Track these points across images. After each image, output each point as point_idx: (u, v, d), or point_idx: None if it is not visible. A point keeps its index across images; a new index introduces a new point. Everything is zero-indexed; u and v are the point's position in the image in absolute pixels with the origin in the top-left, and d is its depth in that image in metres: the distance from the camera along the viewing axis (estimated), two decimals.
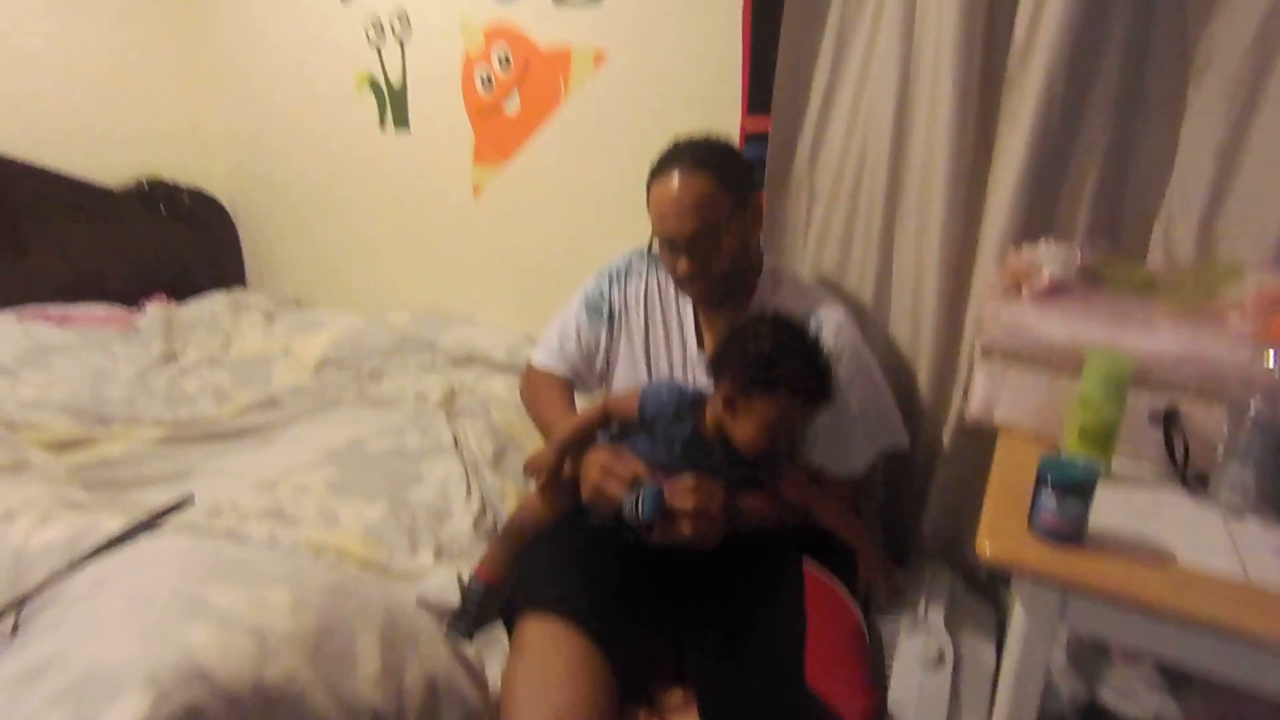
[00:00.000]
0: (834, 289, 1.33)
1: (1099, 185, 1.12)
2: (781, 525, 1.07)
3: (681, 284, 1.12)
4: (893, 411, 1.17)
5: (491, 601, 1.12)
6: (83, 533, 0.90)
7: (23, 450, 1.36)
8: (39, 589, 0.80)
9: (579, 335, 1.25)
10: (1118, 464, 0.90)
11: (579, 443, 1.10)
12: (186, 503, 1.06)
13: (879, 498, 1.37)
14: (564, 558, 1.06)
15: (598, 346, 1.25)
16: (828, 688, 0.88)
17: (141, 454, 1.50)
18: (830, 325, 1.11)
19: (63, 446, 1.49)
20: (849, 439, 1.11)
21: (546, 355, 1.29)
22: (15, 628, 0.77)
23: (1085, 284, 1.04)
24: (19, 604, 0.79)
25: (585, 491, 1.05)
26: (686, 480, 0.98)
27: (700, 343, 1.19)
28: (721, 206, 1.05)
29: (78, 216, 2.23)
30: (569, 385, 1.28)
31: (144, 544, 0.89)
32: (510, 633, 1.00)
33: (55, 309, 2.12)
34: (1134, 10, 1.06)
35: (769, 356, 0.97)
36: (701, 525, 0.97)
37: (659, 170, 1.08)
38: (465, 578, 1.17)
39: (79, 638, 0.68)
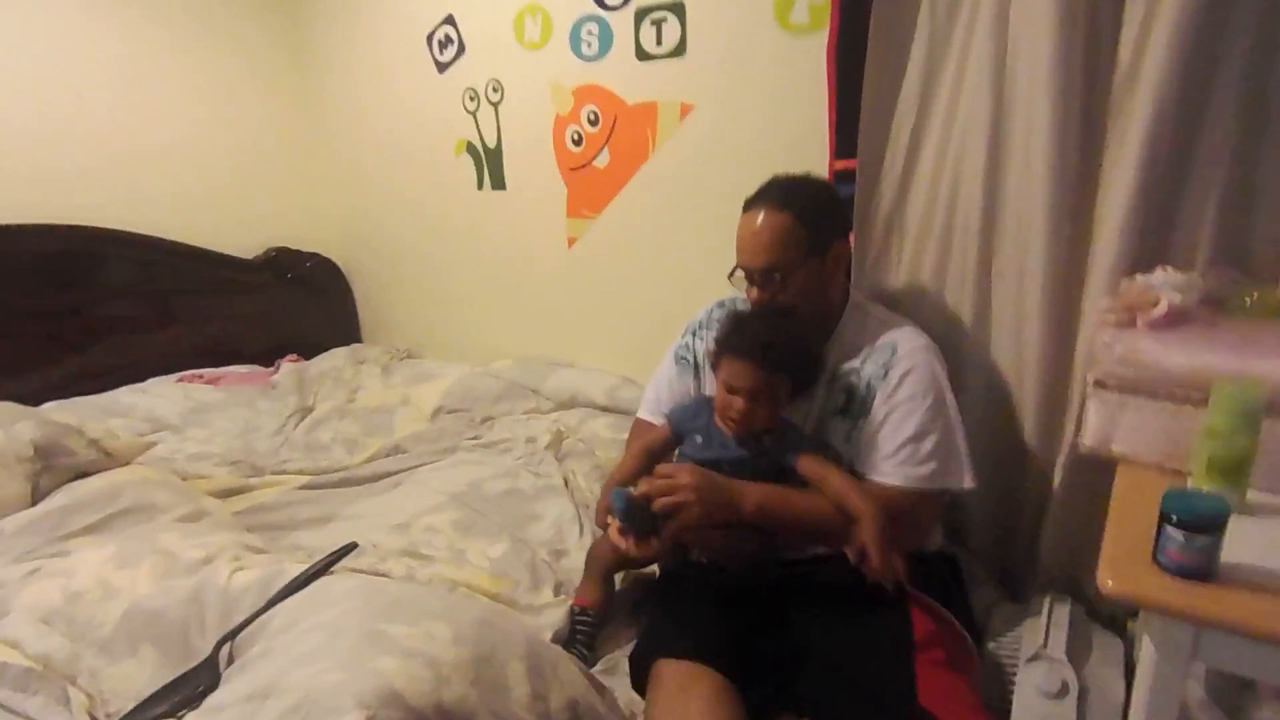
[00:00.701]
0: (927, 324, 1.35)
1: (1222, 207, 1.08)
2: (831, 541, 1.05)
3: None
4: (958, 450, 1.12)
5: (595, 623, 1.21)
6: (272, 575, 1.04)
7: (199, 499, 1.56)
8: (247, 623, 0.94)
9: (671, 386, 1.33)
10: (1254, 496, 0.87)
11: (630, 483, 1.16)
12: (351, 549, 1.19)
13: (991, 532, 1.36)
14: (684, 605, 1.12)
15: (688, 395, 1.32)
16: (940, 706, 0.90)
17: (290, 500, 1.68)
18: (906, 347, 1.13)
19: (225, 494, 1.70)
20: (897, 452, 1.08)
21: (645, 408, 1.37)
22: (230, 657, 0.91)
23: (1209, 311, 1.01)
24: (232, 635, 0.93)
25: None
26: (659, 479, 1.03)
27: None
28: (797, 246, 1.10)
29: (217, 287, 2.53)
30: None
31: (322, 585, 1.02)
32: (635, 681, 1.07)
33: (207, 371, 2.41)
34: (1257, 16, 1.02)
35: (729, 326, 1.11)
36: (678, 509, 1.00)
37: (750, 202, 1.15)
38: None
39: (289, 665, 0.81)
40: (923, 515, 1.13)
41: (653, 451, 1.20)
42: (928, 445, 1.08)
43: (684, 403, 1.23)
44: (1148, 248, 1.12)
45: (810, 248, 1.12)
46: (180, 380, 2.31)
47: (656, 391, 1.36)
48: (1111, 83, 1.13)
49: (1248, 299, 1.02)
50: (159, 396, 2.15)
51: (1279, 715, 0.98)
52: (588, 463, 1.71)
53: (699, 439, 1.15)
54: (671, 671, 0.98)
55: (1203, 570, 0.74)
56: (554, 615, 1.26)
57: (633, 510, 1.01)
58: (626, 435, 1.80)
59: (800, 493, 1.08)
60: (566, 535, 1.48)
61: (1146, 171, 1.09)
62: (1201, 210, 1.10)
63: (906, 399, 1.09)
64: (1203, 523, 0.72)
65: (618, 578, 1.30)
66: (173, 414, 2.07)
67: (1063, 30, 1.11)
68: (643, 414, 1.37)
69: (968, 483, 1.11)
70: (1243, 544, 0.77)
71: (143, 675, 0.95)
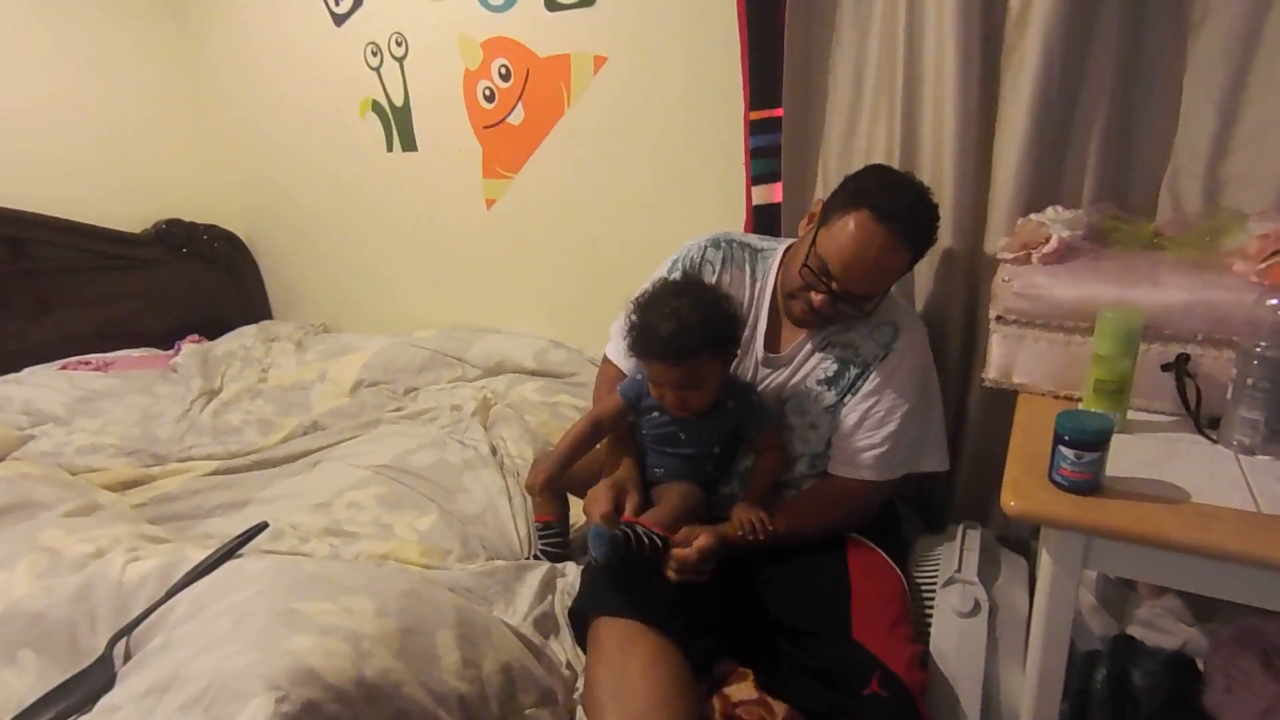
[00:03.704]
0: None
1: (1104, 146, 1.14)
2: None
3: (800, 305, 1.09)
4: (931, 439, 1.16)
5: (560, 531, 1.27)
6: (173, 563, 0.97)
7: (91, 493, 1.44)
8: (145, 615, 0.87)
9: None
10: (1134, 414, 0.94)
11: (573, 459, 1.18)
12: (261, 529, 1.13)
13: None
14: None
15: None
16: (873, 640, 0.95)
17: (198, 487, 1.57)
18: (907, 337, 1.12)
19: (122, 486, 1.57)
20: (873, 448, 1.10)
21: (613, 349, 1.28)
22: (128, 653, 0.85)
23: (1094, 245, 1.07)
24: (129, 630, 0.86)
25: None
26: (689, 554, 0.98)
27: (771, 346, 1.17)
28: (894, 280, 1.08)
29: (101, 264, 2.31)
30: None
31: (230, 568, 0.96)
32: (577, 634, 1.06)
33: (95, 356, 2.20)
34: None
35: (632, 328, 1.05)
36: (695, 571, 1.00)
37: (874, 209, 1.00)
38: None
39: (193, 654, 0.76)
40: (884, 493, 1.16)
41: (601, 425, 1.17)
42: (904, 439, 1.11)
43: (636, 378, 1.15)
44: (1041, 186, 1.17)
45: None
46: (64, 368, 2.10)
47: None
48: (1003, 30, 1.16)
49: (1125, 232, 1.09)
50: (39, 386, 1.96)
51: (1154, 612, 1.08)
52: (517, 428, 1.67)
53: (656, 414, 1.12)
54: (610, 630, 0.97)
55: (1091, 484, 0.79)
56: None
57: (612, 554, 0.95)
58: (556, 399, 1.81)
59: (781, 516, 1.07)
60: (497, 501, 1.45)
61: (1037, 113, 1.13)
62: (1085, 150, 1.15)
63: (894, 393, 1.09)
64: (1090, 440, 0.77)
65: None
66: (56, 404, 1.89)
67: None
68: (612, 353, 1.27)
69: (936, 466, 1.17)
70: (1125, 458, 0.83)
71: (23, 683, 0.87)
